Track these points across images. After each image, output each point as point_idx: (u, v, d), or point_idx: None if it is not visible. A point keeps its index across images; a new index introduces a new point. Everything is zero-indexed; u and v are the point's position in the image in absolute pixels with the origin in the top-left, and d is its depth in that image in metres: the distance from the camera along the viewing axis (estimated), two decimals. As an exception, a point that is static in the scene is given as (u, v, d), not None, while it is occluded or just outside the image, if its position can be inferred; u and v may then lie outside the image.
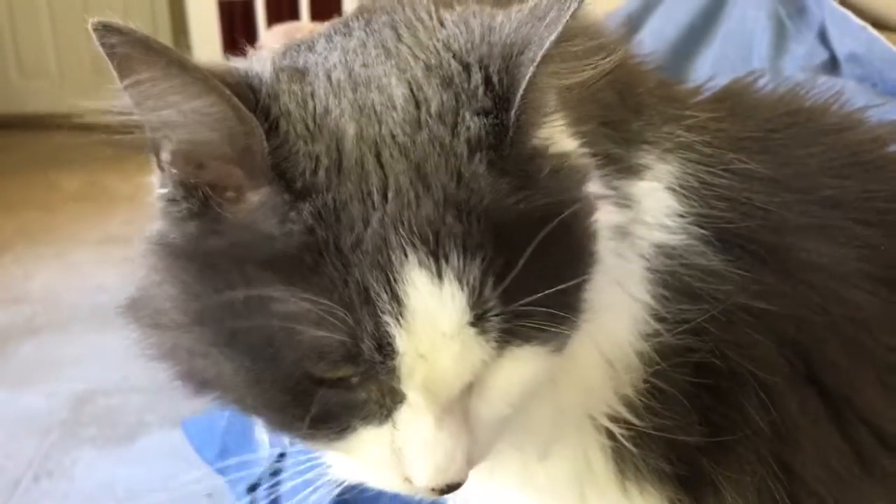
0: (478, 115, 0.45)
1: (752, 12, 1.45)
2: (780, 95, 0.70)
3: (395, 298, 0.42)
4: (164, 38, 3.87)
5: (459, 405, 0.47)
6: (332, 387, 0.45)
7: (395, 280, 0.42)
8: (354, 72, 0.48)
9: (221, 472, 1.18)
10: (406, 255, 0.42)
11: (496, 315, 0.43)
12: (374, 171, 0.44)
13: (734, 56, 1.40)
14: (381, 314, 0.42)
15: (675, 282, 0.57)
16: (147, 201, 0.50)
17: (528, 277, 0.43)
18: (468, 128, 0.45)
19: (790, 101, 0.70)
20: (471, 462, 0.47)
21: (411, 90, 0.47)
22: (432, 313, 0.43)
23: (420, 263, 0.42)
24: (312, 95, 0.46)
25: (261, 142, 0.43)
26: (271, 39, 2.42)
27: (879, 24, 1.30)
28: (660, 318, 0.56)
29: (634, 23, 1.49)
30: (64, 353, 1.99)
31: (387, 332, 0.43)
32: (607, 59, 0.49)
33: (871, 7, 1.34)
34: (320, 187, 0.43)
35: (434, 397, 0.45)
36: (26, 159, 3.31)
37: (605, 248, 0.52)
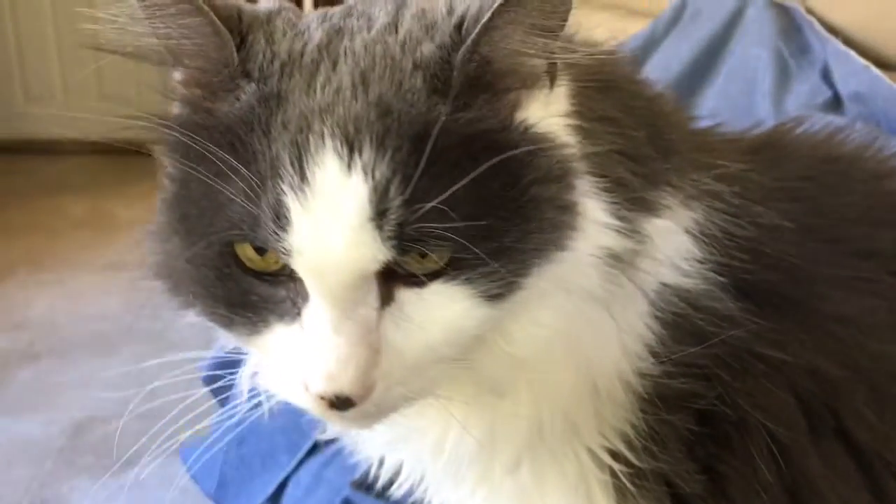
0: (435, 45, 0.49)
1: (754, 50, 1.46)
2: (818, 141, 0.70)
3: (302, 176, 0.45)
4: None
5: (364, 318, 0.47)
6: (255, 277, 0.49)
7: (306, 159, 0.46)
8: (352, 9, 0.55)
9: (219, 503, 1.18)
10: (323, 141, 0.46)
11: (397, 216, 0.45)
12: (325, 71, 0.49)
13: (737, 93, 1.41)
14: (282, 186, 0.45)
15: (684, 323, 0.56)
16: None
17: (441, 191, 0.45)
18: (422, 52, 0.49)
19: (827, 148, 0.69)
20: (368, 382, 0.47)
21: (394, 21, 0.52)
22: (334, 198, 0.45)
23: (334, 150, 0.46)
24: (294, 24, 0.53)
25: (231, 51, 0.49)
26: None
27: (881, 64, 1.32)
28: (661, 358, 0.55)
29: (639, 58, 1.50)
30: (63, 381, 1.99)
31: (285, 203, 0.45)
32: (603, 54, 0.53)
33: (873, 46, 1.36)
34: (271, 76, 0.49)
35: (329, 292, 0.46)
36: (32, 184, 3.31)
37: (592, 265, 0.52)
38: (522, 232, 0.48)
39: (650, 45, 1.56)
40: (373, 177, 0.45)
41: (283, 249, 0.46)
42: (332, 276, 0.46)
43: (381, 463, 0.66)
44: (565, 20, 0.48)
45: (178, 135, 0.50)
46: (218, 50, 0.50)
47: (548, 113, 0.52)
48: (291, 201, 0.45)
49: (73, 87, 3.87)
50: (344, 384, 0.46)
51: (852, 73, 1.32)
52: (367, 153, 0.45)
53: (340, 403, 0.47)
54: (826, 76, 1.37)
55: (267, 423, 0.64)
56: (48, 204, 3.13)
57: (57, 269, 2.61)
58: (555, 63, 0.50)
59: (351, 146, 0.45)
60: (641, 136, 0.56)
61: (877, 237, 0.63)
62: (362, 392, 0.47)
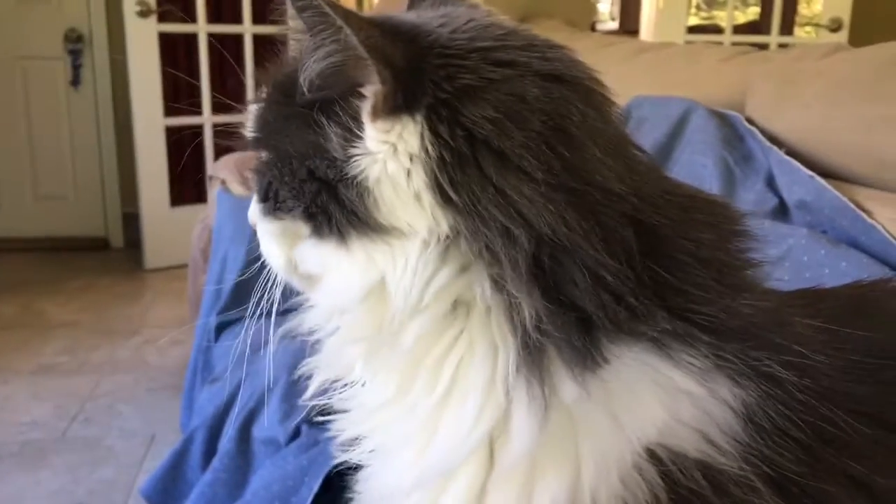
0: None
1: (699, 158, 1.50)
2: None
3: None
4: (110, 164, 3.86)
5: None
6: None
7: None
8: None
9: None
10: None
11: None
12: None
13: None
14: None
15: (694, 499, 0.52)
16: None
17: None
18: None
19: None
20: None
21: None
22: None
23: None
24: None
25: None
26: (223, 168, 2.43)
27: (825, 173, 1.36)
28: None
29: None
30: (-10, 496, 1.87)
31: None
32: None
33: (815, 156, 1.40)
34: None
35: None
36: (-41, 284, 3.20)
37: (570, 389, 0.52)
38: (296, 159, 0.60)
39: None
40: None
41: None
42: None
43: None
44: None
45: None
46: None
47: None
48: None
49: (6, 186, 3.80)
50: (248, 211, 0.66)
51: (797, 181, 1.35)
52: None
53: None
54: (771, 184, 1.41)
55: None
56: (-23, 304, 3.01)
57: (-15, 373, 2.50)
58: None
59: None
60: (704, 274, 0.54)
61: None
62: (251, 223, 0.66)
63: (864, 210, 1.25)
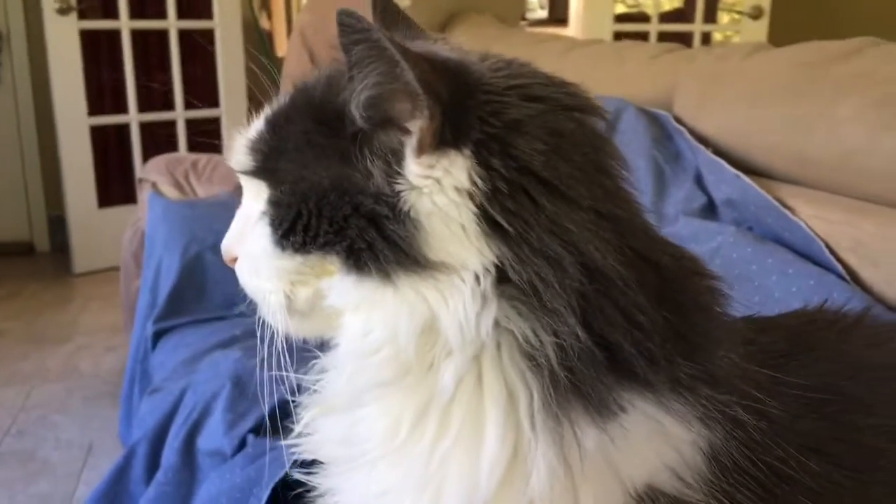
0: None
1: (631, 157, 1.52)
2: (848, 340, 0.71)
3: None
4: (33, 165, 3.74)
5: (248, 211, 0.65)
6: None
7: None
8: None
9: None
10: None
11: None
12: None
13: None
14: None
15: None
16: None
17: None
18: None
19: (858, 351, 0.71)
20: (230, 254, 0.66)
21: None
22: None
23: None
24: None
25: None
26: (153, 170, 2.39)
27: (750, 170, 1.41)
28: None
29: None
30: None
31: None
32: None
33: (741, 154, 1.45)
34: None
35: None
36: None
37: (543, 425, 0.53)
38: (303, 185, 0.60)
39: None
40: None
41: None
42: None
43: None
44: None
45: None
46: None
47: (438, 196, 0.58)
48: None
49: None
50: (223, 243, 0.66)
51: (724, 180, 1.40)
52: None
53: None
54: (699, 182, 1.45)
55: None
56: None
57: None
58: None
59: None
60: (649, 305, 0.55)
61: None
62: (226, 256, 0.66)
63: (787, 207, 1.30)
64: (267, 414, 1.21)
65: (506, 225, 0.53)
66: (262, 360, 0.64)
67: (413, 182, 0.55)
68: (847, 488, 0.60)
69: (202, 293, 1.76)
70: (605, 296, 0.54)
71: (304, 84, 0.62)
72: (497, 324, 0.54)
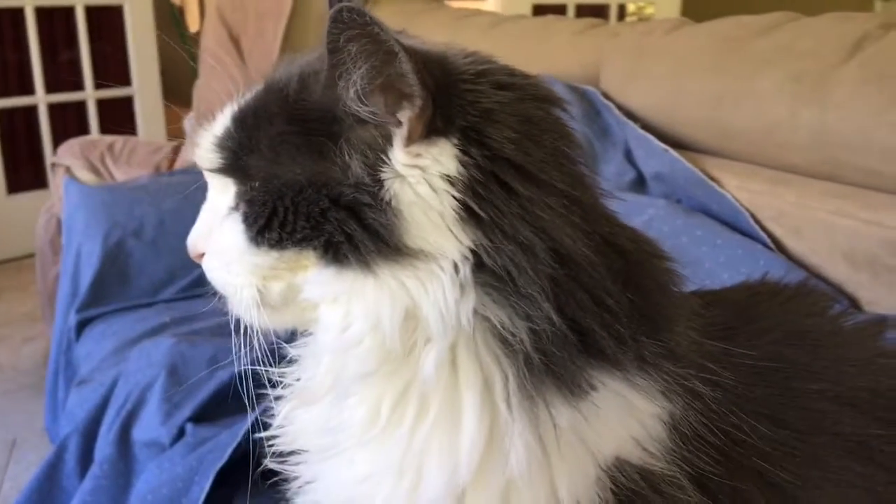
0: None
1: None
2: (789, 309, 0.74)
3: None
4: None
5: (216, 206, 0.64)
6: None
7: None
8: None
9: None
10: None
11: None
12: None
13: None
14: None
15: (640, 503, 0.58)
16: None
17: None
18: None
19: (796, 319, 0.74)
20: (197, 251, 0.64)
21: None
22: None
23: None
24: None
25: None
26: (67, 153, 2.30)
27: (678, 144, 1.44)
28: None
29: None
30: None
31: None
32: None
33: (668, 129, 1.48)
34: None
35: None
36: None
37: (512, 403, 0.55)
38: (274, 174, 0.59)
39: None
40: None
41: None
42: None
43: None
44: None
45: None
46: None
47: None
48: None
49: None
50: (189, 240, 0.65)
51: (652, 154, 1.43)
52: None
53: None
54: (629, 157, 1.48)
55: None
56: None
57: None
58: None
59: None
60: (614, 288, 0.57)
61: (845, 422, 0.65)
62: (192, 252, 0.65)
63: (713, 179, 1.34)
64: (205, 401, 1.19)
65: (480, 212, 0.54)
66: (238, 354, 0.63)
67: (399, 171, 0.55)
68: (796, 448, 0.63)
69: (126, 280, 1.71)
70: (575, 280, 0.55)
71: (272, 81, 0.61)
72: (474, 311, 0.55)
